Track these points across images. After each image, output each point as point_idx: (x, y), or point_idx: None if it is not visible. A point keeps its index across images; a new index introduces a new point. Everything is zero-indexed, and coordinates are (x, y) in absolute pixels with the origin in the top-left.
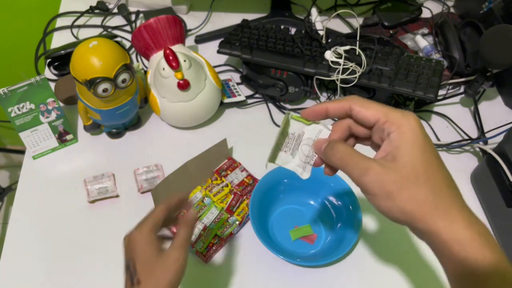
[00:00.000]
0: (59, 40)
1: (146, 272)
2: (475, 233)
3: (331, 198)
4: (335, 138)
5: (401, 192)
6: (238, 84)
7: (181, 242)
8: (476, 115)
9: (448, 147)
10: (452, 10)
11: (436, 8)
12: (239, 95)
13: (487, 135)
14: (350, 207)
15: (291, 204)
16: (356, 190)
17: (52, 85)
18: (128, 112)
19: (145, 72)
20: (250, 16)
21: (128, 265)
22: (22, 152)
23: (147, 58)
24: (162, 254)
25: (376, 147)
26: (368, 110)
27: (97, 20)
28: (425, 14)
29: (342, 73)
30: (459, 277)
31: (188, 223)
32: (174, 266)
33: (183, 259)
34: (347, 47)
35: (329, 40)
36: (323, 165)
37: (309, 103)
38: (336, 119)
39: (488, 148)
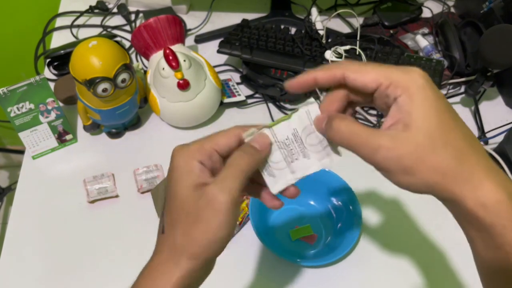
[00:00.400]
0: (58, 40)
1: (174, 216)
2: (504, 196)
3: (331, 198)
4: (332, 110)
5: (420, 164)
6: (238, 84)
7: (230, 175)
8: (476, 115)
9: None
10: (452, 10)
11: (436, 8)
12: (239, 95)
13: (488, 135)
14: (350, 207)
15: (291, 204)
16: (356, 190)
17: (52, 85)
18: (128, 112)
19: (145, 72)
20: (250, 16)
21: (165, 197)
22: (21, 152)
23: (147, 58)
24: (202, 192)
25: (381, 109)
26: (366, 75)
27: (96, 20)
28: (425, 14)
29: None
30: (484, 251)
31: (251, 148)
32: (213, 215)
33: (231, 205)
34: (347, 47)
35: (329, 40)
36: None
37: None
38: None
39: (489, 148)
